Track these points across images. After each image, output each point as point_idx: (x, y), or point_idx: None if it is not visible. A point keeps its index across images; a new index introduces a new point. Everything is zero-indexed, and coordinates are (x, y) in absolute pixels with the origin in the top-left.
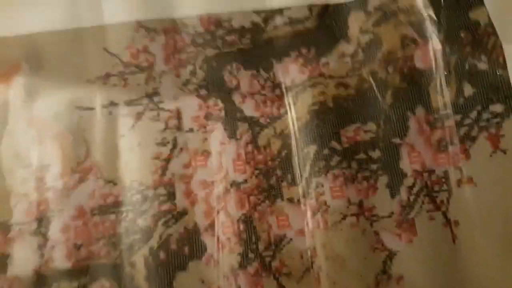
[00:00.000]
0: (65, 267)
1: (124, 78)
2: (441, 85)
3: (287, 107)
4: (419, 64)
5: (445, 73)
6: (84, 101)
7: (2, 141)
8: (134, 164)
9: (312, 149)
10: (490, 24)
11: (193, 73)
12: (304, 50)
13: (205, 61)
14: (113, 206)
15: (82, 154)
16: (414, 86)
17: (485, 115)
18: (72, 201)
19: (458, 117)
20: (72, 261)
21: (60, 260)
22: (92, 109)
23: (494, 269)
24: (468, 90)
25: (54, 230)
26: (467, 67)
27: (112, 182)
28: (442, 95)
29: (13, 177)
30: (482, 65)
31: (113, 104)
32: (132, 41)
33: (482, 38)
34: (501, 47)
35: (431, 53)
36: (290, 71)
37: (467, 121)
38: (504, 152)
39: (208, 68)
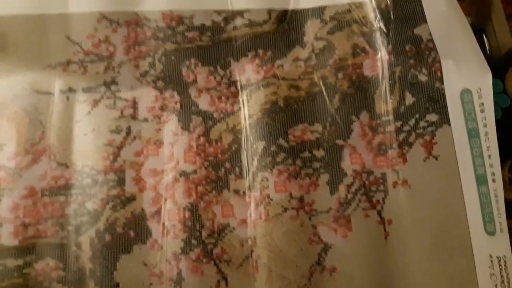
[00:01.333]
0: (11, 244)
1: (84, 66)
2: (385, 93)
3: (241, 104)
4: (367, 72)
5: (390, 82)
6: (43, 85)
7: None
8: (87, 149)
9: (260, 145)
10: (431, 40)
11: (151, 65)
12: (261, 52)
13: (164, 54)
14: (63, 188)
15: (37, 136)
16: (360, 92)
17: (422, 123)
18: (23, 181)
19: (398, 123)
20: (19, 238)
21: (7, 237)
22: (50, 93)
23: (423, 267)
24: (408, 99)
25: (3, 208)
26: (409, 77)
27: (65, 165)
28: (385, 102)
29: None
30: (423, 77)
31: (71, 90)
32: (94, 31)
33: (424, 52)
34: (439, 62)
35: (379, 63)
36: (246, 71)
37: (406, 127)
38: (436, 158)
39: (167, 62)
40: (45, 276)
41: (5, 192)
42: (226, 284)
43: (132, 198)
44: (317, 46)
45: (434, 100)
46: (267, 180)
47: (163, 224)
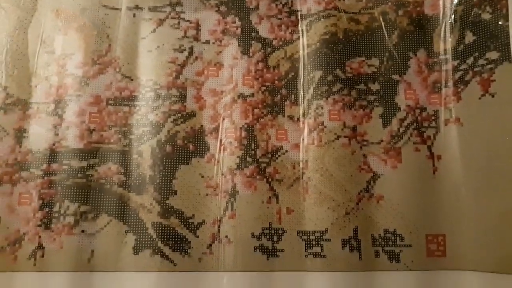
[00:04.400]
0: (77, 147)
1: None
2: (445, 32)
3: (300, 34)
4: (427, 10)
5: (451, 21)
6: (111, 1)
7: (30, 25)
8: (151, 65)
9: (317, 74)
10: None
11: None
12: None
13: None
14: (127, 99)
15: (104, 48)
16: (419, 30)
17: (481, 61)
18: (90, 89)
19: (456, 62)
20: (84, 142)
21: (73, 140)
22: (117, 9)
23: (471, 203)
24: (469, 38)
25: (70, 113)
26: (471, 16)
27: (129, 78)
28: (444, 41)
29: (37, 60)
30: (486, 15)
31: (138, 7)
32: None
33: None
34: None
35: (441, 2)
36: (308, 1)
37: (463, 66)
38: (492, 95)
39: None
40: (106, 179)
41: (72, 98)
42: (277, 201)
43: (192, 114)
44: None
45: (496, 38)
46: (322, 108)
47: (221, 140)
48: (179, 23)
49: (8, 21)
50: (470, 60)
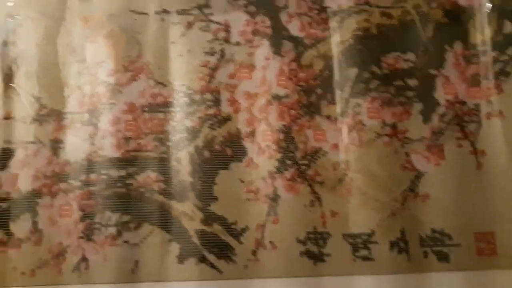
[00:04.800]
0: (114, 156)
1: None
2: (481, 22)
3: (332, 31)
4: (462, 1)
5: (487, 12)
6: (139, 6)
7: (59, 35)
8: (183, 69)
9: (353, 71)
10: None
11: None
12: None
13: None
14: (162, 106)
15: (135, 54)
16: (454, 22)
17: None
18: (123, 97)
19: (495, 53)
20: (121, 151)
21: (110, 149)
22: (145, 14)
23: None
24: (507, 27)
25: (105, 122)
26: (510, 6)
27: (162, 83)
28: (481, 32)
29: (68, 70)
30: None
31: (165, 11)
32: None
33: None
34: None
35: None
36: None
37: (503, 57)
38: None
39: None
40: (146, 188)
41: (106, 106)
42: (320, 204)
43: (228, 118)
44: None
45: None
46: (360, 106)
47: (258, 144)
48: (208, 25)
49: (36, 31)
50: (510, 51)
